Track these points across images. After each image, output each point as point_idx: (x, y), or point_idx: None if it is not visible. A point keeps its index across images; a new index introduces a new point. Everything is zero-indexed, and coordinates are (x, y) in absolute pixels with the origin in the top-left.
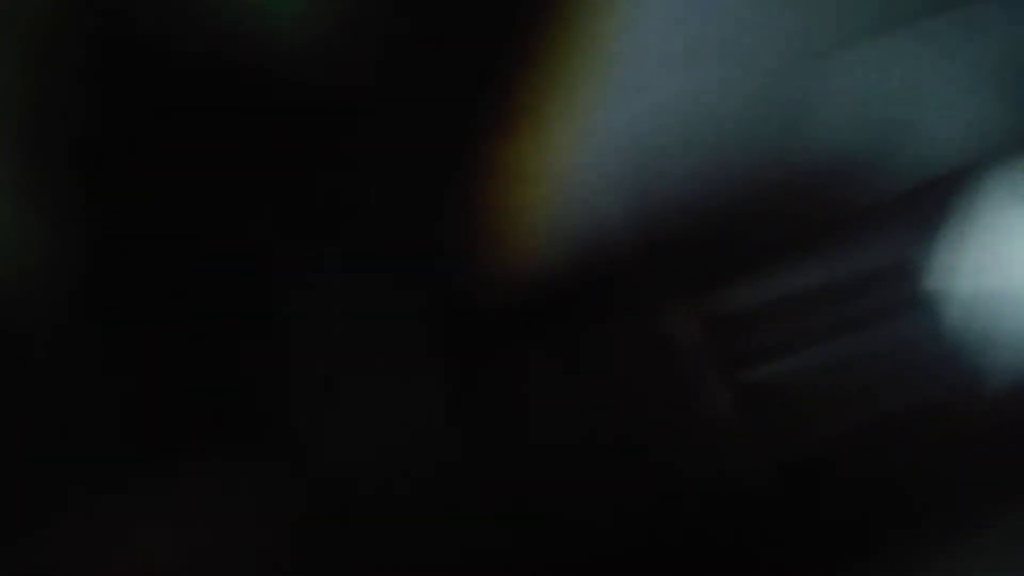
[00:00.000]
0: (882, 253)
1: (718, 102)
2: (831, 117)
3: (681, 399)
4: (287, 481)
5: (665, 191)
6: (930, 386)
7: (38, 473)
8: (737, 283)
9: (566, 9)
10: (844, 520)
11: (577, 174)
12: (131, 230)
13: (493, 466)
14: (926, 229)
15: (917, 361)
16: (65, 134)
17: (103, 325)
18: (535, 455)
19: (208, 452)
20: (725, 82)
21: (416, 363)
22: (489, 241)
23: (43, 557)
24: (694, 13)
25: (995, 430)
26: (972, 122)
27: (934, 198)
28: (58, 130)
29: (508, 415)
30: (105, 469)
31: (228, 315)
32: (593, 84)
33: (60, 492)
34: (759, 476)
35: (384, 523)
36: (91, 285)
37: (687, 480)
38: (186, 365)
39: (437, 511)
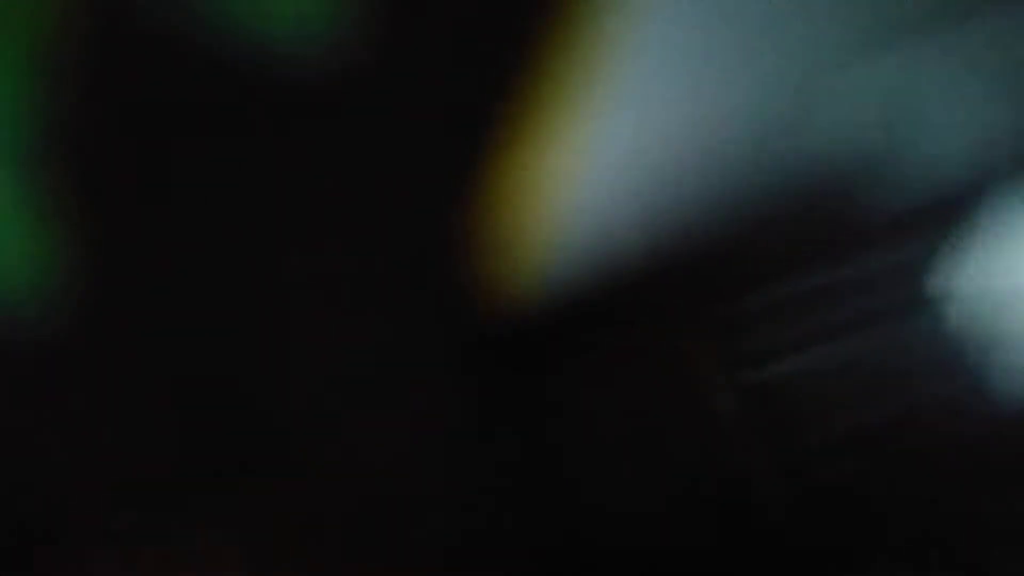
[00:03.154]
0: (889, 259)
1: (725, 115)
2: (838, 128)
3: (690, 404)
4: (305, 510)
5: (672, 201)
6: (935, 390)
7: (40, 490)
8: (746, 288)
9: (572, 24)
10: (847, 525)
11: (584, 185)
12: (139, 244)
13: (512, 481)
14: (934, 236)
15: (923, 365)
16: (72, 149)
17: (109, 342)
18: (552, 464)
19: (225, 478)
20: (732, 96)
21: (433, 385)
22: (498, 256)
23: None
24: (703, 26)
25: (998, 432)
26: (980, 133)
27: (941, 206)
28: (65, 145)
29: (523, 428)
30: (108, 487)
31: (238, 341)
32: (601, 99)
33: (62, 512)
34: (765, 478)
35: (406, 545)
36: (97, 301)
37: (695, 483)
38: (193, 390)
39: (456, 528)
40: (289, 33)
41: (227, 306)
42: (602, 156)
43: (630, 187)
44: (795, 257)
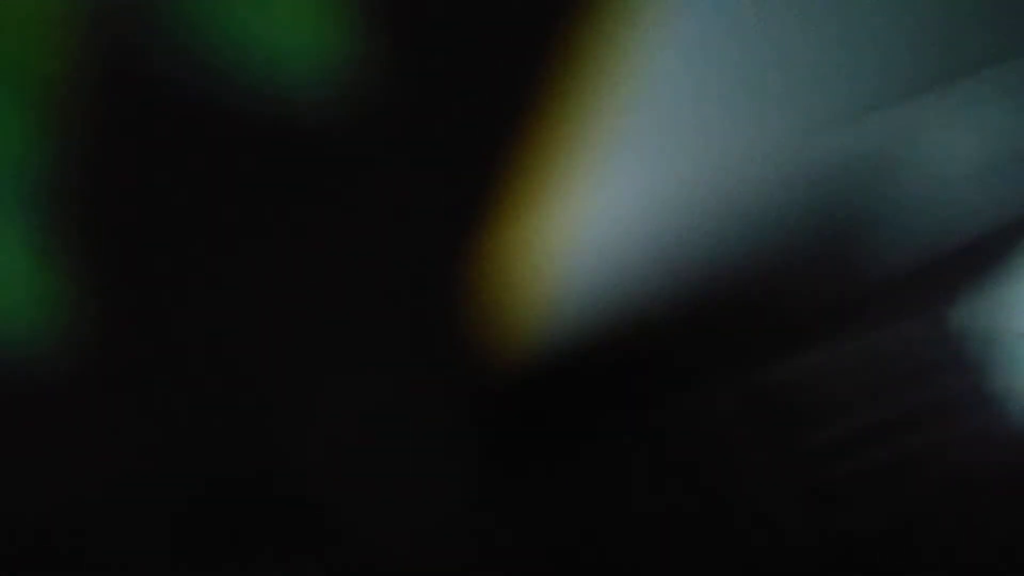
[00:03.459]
0: (920, 316)
1: (732, 170)
2: (857, 182)
3: (692, 407)
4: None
5: (677, 254)
6: (938, 391)
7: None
8: (773, 355)
9: (577, 79)
10: (849, 526)
11: (587, 241)
12: (143, 287)
13: (522, 549)
14: (963, 290)
15: (926, 367)
16: (76, 190)
17: (113, 387)
18: (565, 535)
19: (227, 540)
20: (740, 150)
21: (440, 448)
22: (503, 309)
23: None
24: (710, 79)
25: (1001, 435)
26: (1004, 184)
27: (969, 259)
28: (69, 186)
29: (536, 497)
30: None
31: (241, 394)
32: (607, 152)
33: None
34: (766, 478)
35: None
36: (100, 344)
37: (696, 483)
38: (196, 445)
39: None
40: (294, 84)
41: (229, 356)
42: (608, 210)
43: (635, 240)
44: (828, 318)
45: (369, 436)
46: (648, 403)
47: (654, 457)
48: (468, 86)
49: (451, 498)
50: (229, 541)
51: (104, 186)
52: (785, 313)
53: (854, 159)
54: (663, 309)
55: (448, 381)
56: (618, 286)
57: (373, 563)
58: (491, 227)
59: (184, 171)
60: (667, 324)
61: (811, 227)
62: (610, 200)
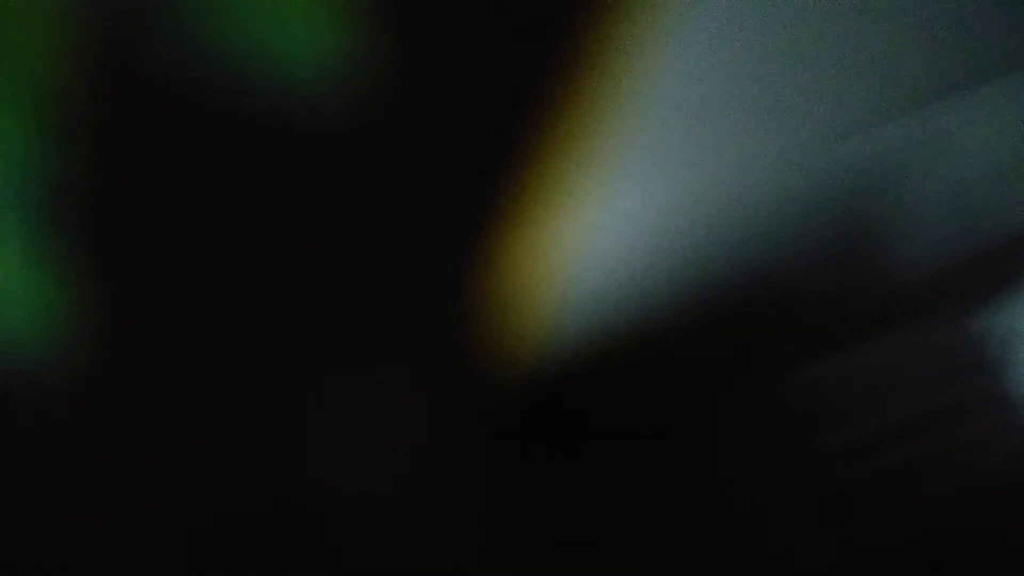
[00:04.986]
0: (940, 320)
1: (744, 176)
2: (876, 188)
3: (702, 412)
4: None
5: (684, 261)
6: (948, 396)
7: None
8: (790, 359)
9: (585, 87)
10: (853, 528)
11: (596, 250)
12: (146, 298)
13: (533, 552)
14: (983, 293)
15: (936, 371)
16: (79, 201)
17: (114, 390)
18: (576, 538)
19: (231, 544)
20: (753, 156)
21: (450, 452)
22: (512, 320)
23: None
24: (717, 89)
25: (1007, 438)
26: (1005, 189)
27: (989, 263)
28: (72, 198)
29: (546, 500)
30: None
31: (246, 404)
32: (616, 160)
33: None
34: (775, 482)
35: None
36: (103, 355)
37: (704, 487)
38: (202, 458)
39: None
40: (301, 84)
41: (233, 360)
42: (616, 218)
43: (644, 250)
44: (850, 327)
45: (379, 440)
46: (664, 406)
47: (668, 461)
48: (478, 89)
49: (460, 502)
50: (233, 545)
51: (105, 187)
52: (803, 318)
53: (873, 165)
54: (678, 313)
55: (458, 385)
56: (631, 291)
57: (380, 566)
58: (502, 231)
59: (186, 171)
60: (683, 328)
61: (829, 233)
62: (623, 205)
